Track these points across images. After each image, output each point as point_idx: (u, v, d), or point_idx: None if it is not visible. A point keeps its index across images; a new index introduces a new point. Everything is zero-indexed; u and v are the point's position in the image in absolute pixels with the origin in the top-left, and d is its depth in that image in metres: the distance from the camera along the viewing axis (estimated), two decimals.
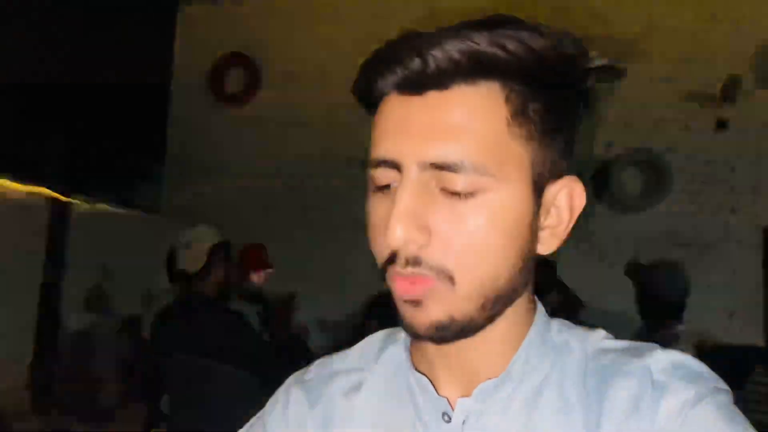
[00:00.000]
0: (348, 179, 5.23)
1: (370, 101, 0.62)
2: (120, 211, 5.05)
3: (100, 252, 4.88)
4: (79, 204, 4.63)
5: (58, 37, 4.37)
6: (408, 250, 0.55)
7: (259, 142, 5.51)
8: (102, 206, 4.85)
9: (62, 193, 4.42)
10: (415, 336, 0.59)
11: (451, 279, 0.55)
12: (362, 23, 5.31)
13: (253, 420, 0.76)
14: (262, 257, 3.80)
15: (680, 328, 2.69)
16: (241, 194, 5.51)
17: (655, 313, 2.72)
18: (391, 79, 0.57)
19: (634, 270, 2.86)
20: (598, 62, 0.58)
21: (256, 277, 3.79)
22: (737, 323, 4.18)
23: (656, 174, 4.53)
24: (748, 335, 4.08)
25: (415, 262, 0.55)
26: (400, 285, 0.57)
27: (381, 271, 0.59)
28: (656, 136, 4.57)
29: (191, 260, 2.33)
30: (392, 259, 0.56)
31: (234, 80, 5.58)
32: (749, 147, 4.45)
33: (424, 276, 0.55)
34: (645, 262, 2.96)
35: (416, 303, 0.56)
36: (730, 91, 4.34)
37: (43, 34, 4.28)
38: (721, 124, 4.45)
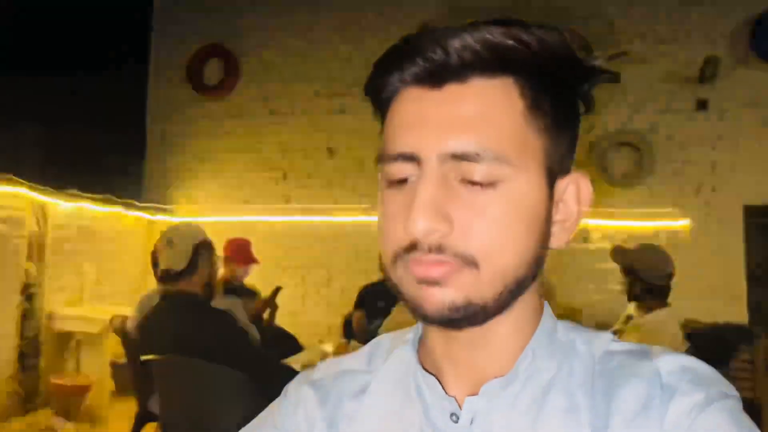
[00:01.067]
0: (330, 169, 5.22)
1: (382, 97, 0.61)
2: (101, 208, 4.99)
3: (82, 251, 4.82)
4: (59, 203, 4.56)
5: (34, 32, 4.28)
6: (431, 240, 0.55)
7: (240, 133, 5.46)
8: (83, 204, 4.79)
9: (42, 192, 4.35)
10: (425, 318, 0.58)
11: (476, 265, 0.55)
12: (339, 9, 5.26)
13: (261, 415, 0.75)
14: (248, 252, 3.78)
15: (666, 309, 2.71)
16: (223, 187, 5.47)
17: (641, 295, 2.75)
18: (412, 70, 0.57)
19: (619, 253, 2.87)
20: (602, 62, 0.59)
21: (242, 272, 3.77)
22: (721, 302, 4.23)
23: (638, 155, 4.56)
24: (732, 313, 4.13)
25: (438, 249, 0.55)
26: (420, 267, 0.56)
27: (393, 259, 0.58)
28: (637, 118, 4.59)
29: (175, 259, 2.29)
30: (412, 247, 0.56)
31: (213, 72, 5.51)
32: (729, 125, 4.49)
33: (447, 261, 0.55)
34: (630, 245, 2.97)
35: (433, 283, 0.56)
36: (709, 71, 4.37)
37: (17, 27, 4.19)
38: (701, 104, 4.48)
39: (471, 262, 0.55)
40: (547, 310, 0.65)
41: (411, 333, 0.70)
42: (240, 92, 5.48)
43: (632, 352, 0.61)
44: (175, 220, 5.14)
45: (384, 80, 0.60)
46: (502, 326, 0.60)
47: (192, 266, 2.33)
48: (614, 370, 0.59)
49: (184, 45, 5.54)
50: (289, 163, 5.35)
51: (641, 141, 4.56)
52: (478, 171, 0.55)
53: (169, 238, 2.38)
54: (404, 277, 0.58)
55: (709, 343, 3.06)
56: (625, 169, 4.60)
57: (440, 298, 0.56)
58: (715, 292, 4.27)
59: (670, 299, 2.74)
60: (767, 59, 4.39)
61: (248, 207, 5.33)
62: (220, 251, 3.19)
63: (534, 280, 0.61)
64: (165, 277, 2.35)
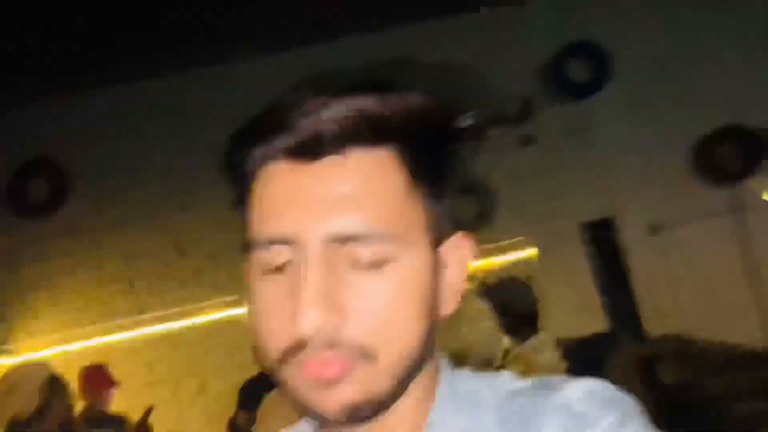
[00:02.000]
0: (181, 269, 4.98)
1: (243, 172, 0.56)
2: None
3: None
4: None
5: None
6: (323, 334, 0.50)
7: (76, 250, 5.03)
8: None
9: None
10: (324, 420, 0.53)
11: (371, 356, 0.51)
12: (166, 102, 5.14)
13: None
14: (104, 376, 3.49)
15: (539, 334, 2.83)
16: (64, 312, 5.01)
17: (513, 327, 2.86)
18: (281, 143, 0.52)
19: (485, 291, 2.97)
20: (470, 122, 0.61)
21: (103, 399, 3.48)
22: (583, 316, 4.51)
23: (480, 198, 4.83)
24: (596, 324, 4.42)
25: (332, 344, 0.50)
26: (314, 368, 0.51)
27: (280, 359, 0.52)
28: (471, 163, 4.87)
29: (22, 404, 2.05)
30: (299, 346, 0.51)
31: (38, 189, 5.04)
32: (554, 155, 4.90)
33: (342, 356, 0.51)
34: (493, 281, 3.10)
35: (328, 383, 0.51)
36: (524, 111, 4.77)
37: None
38: (526, 140, 4.85)
39: (368, 354, 0.51)
40: (445, 365, 0.63)
41: (304, 424, 0.65)
42: (71, 206, 5.07)
43: (536, 387, 0.60)
44: (16, 360, 4.59)
45: (245, 154, 0.55)
46: (404, 402, 0.57)
47: (43, 408, 2.10)
48: (523, 411, 0.57)
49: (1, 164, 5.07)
50: (135, 272, 5.02)
51: (480, 185, 4.84)
52: (366, 252, 0.51)
53: (10, 382, 2.14)
54: (295, 378, 0.53)
55: (583, 356, 3.22)
56: (472, 213, 4.84)
57: (337, 399, 0.51)
58: (577, 309, 4.55)
59: (540, 324, 2.87)
60: (571, 94, 4.89)
61: (97, 328, 4.89)
62: (74, 383, 2.90)
63: (431, 353, 0.59)
64: (14, 425, 2.09)
